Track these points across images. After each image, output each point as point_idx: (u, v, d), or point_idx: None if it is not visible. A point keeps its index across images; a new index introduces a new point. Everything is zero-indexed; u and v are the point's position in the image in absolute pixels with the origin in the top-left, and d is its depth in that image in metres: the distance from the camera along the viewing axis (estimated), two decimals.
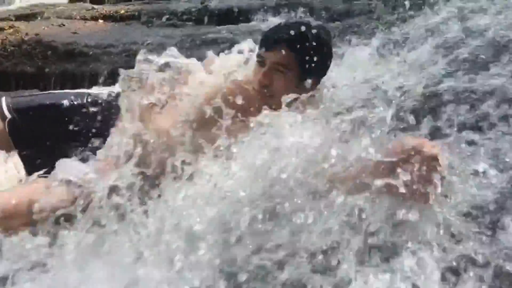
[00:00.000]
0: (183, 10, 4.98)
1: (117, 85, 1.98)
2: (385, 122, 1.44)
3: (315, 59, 1.68)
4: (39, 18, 5.15)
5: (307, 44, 1.67)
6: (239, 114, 1.54)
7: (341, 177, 1.05)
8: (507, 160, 1.27)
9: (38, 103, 1.96)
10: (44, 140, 1.86)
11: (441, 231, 0.97)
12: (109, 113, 1.86)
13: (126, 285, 1.21)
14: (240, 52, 1.80)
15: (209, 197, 1.30)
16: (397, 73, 1.96)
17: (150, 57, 1.80)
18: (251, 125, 1.42)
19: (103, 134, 1.76)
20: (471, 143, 1.33)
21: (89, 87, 3.59)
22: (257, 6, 4.63)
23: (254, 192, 1.19)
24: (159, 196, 1.45)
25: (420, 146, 0.97)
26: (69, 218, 1.53)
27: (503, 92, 1.65)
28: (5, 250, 1.45)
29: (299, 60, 1.67)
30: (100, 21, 5.05)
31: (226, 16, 4.65)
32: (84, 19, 5.08)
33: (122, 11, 5.21)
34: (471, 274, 0.99)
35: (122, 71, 1.82)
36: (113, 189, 1.48)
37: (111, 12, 5.23)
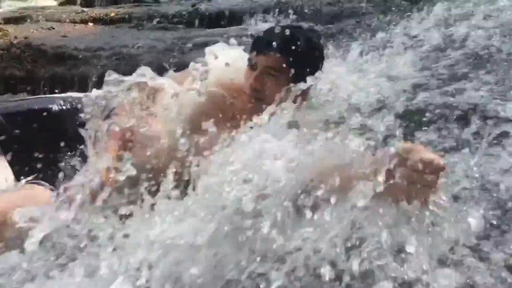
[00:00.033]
0: (173, 13, 4.97)
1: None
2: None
3: (306, 62, 1.68)
4: (28, 21, 5.10)
5: (298, 47, 1.66)
6: (229, 121, 1.52)
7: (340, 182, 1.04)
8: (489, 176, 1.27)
9: (27, 108, 1.93)
10: (33, 145, 1.83)
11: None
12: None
13: None
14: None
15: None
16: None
17: (120, 77, 1.68)
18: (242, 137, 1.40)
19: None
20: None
21: (79, 91, 3.61)
22: (248, 9, 4.63)
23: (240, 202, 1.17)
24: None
25: (420, 151, 0.97)
26: None
27: (481, 108, 1.66)
28: None
29: (290, 64, 1.66)
30: (90, 24, 5.02)
31: (217, 19, 4.65)
32: (74, 22, 5.05)
33: (112, 14, 5.18)
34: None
35: (84, 99, 1.66)
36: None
37: (101, 15, 5.20)
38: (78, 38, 4.40)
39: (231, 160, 1.30)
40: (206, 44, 3.97)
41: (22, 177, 1.73)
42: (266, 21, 4.44)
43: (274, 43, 1.65)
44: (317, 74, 1.76)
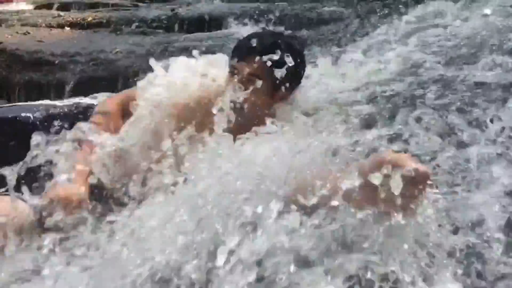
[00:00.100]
0: (152, 17, 4.92)
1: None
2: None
3: (288, 69, 1.66)
4: (2, 25, 4.99)
5: (280, 54, 1.65)
6: (210, 128, 1.50)
7: (321, 191, 1.02)
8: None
9: (1, 117, 1.88)
10: (7, 155, 1.77)
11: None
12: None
13: None
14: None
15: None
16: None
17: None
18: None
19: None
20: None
21: (56, 97, 3.54)
22: (229, 14, 4.61)
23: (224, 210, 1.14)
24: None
25: (404, 160, 0.95)
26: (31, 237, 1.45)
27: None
28: None
29: (272, 71, 1.64)
30: (67, 28, 4.93)
31: (197, 24, 4.61)
32: (50, 26, 4.95)
33: (90, 18, 5.10)
34: None
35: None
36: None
37: (78, 19, 5.11)
38: (54, 43, 4.31)
39: (216, 166, 1.28)
40: (186, 49, 3.98)
41: None
42: (246, 25, 4.43)
43: (255, 50, 1.63)
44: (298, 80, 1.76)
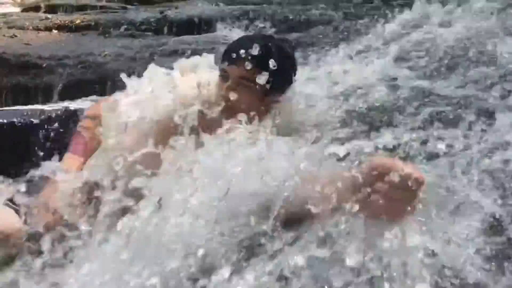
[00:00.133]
0: (141, 20, 4.88)
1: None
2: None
3: (279, 72, 1.66)
4: None
5: (271, 57, 1.64)
6: (201, 133, 1.48)
7: (313, 196, 1.01)
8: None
9: None
10: None
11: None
12: (64, 132, 1.77)
13: None
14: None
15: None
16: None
17: None
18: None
19: (58, 154, 1.67)
20: None
21: (43, 101, 3.50)
22: (218, 17, 4.59)
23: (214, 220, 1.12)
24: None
25: (397, 165, 0.94)
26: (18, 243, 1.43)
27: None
28: None
29: (263, 74, 1.63)
30: (54, 31, 4.88)
31: (187, 26, 4.59)
32: (37, 29, 4.90)
33: (78, 21, 5.06)
34: None
35: None
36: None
37: (66, 22, 5.06)
38: (42, 46, 4.26)
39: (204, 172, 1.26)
40: (175, 52, 3.96)
41: None
42: (235, 28, 4.43)
43: (246, 53, 1.62)
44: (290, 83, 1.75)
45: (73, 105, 1.96)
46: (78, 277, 1.21)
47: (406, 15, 3.43)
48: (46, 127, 1.81)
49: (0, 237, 1.41)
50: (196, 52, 3.86)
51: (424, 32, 2.78)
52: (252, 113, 1.60)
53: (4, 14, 5.57)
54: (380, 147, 1.23)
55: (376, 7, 4.24)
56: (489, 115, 1.61)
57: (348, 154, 1.11)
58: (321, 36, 3.75)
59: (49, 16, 5.43)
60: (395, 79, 2.17)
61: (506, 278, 1.03)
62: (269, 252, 1.03)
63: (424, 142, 1.41)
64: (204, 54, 1.82)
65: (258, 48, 1.63)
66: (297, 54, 2.05)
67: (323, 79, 2.06)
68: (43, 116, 1.87)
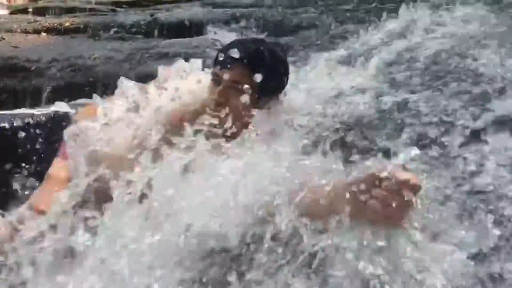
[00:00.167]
0: (131, 22, 4.86)
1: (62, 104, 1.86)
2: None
3: (271, 76, 1.64)
4: None
5: (264, 61, 1.63)
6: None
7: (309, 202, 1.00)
8: None
9: None
10: None
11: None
12: (53, 136, 1.74)
13: None
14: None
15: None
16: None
17: None
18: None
19: (47, 160, 1.64)
20: None
21: (32, 104, 3.45)
22: (209, 19, 4.58)
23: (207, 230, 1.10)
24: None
25: (394, 171, 0.93)
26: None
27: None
28: None
29: (255, 78, 1.62)
30: (43, 34, 4.83)
31: (177, 29, 4.57)
32: (26, 32, 4.85)
33: (67, 24, 5.01)
34: None
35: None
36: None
37: (55, 24, 5.02)
38: (30, 49, 4.22)
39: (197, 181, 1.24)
40: (166, 55, 3.94)
41: None
42: (226, 31, 4.42)
43: (238, 57, 1.60)
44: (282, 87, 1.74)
45: (63, 109, 1.92)
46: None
47: (392, 23, 3.45)
48: (35, 131, 1.78)
49: None
50: (187, 55, 3.87)
51: (408, 41, 2.80)
52: (244, 118, 1.59)
53: None
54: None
55: (369, 9, 4.26)
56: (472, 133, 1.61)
57: (344, 160, 1.11)
58: (312, 38, 3.75)
59: (38, 18, 5.38)
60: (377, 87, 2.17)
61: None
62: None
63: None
64: (192, 59, 1.79)
65: (250, 52, 1.62)
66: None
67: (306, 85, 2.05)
68: (31, 120, 1.83)
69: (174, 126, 1.55)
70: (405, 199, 0.93)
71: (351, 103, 1.95)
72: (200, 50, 3.90)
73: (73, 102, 3.07)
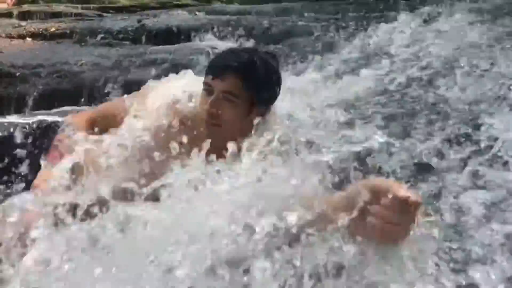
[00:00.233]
0: (119, 28, 4.82)
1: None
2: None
3: (264, 86, 1.63)
4: None
5: (256, 71, 1.61)
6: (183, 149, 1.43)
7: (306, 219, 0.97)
8: None
9: None
10: None
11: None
12: (40, 145, 1.70)
13: None
14: None
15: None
16: None
17: None
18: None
19: (33, 170, 1.60)
20: None
21: (16, 111, 3.39)
22: (197, 26, 4.56)
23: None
24: None
25: (394, 187, 0.92)
26: None
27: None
28: None
29: (248, 88, 1.60)
30: (28, 39, 4.76)
31: (165, 36, 4.54)
32: (10, 37, 4.78)
33: (53, 29, 4.95)
34: None
35: None
36: None
37: (40, 29, 4.95)
38: (15, 54, 4.15)
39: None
40: (153, 62, 3.90)
41: None
42: (215, 38, 4.40)
43: (231, 67, 1.58)
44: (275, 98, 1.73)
45: (49, 118, 1.87)
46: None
47: (382, 30, 3.48)
48: (20, 141, 1.73)
49: None
50: (174, 62, 3.83)
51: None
52: (236, 128, 1.56)
53: None
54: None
55: (359, 17, 4.29)
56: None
57: (340, 174, 1.09)
58: (301, 47, 3.75)
59: (23, 23, 5.31)
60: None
61: None
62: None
63: None
64: (182, 71, 1.77)
65: (243, 62, 1.60)
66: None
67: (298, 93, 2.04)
68: (17, 130, 1.79)
69: (164, 140, 1.53)
70: (407, 217, 0.91)
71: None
72: (188, 57, 3.88)
73: (59, 109, 3.03)
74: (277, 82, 1.72)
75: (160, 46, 4.26)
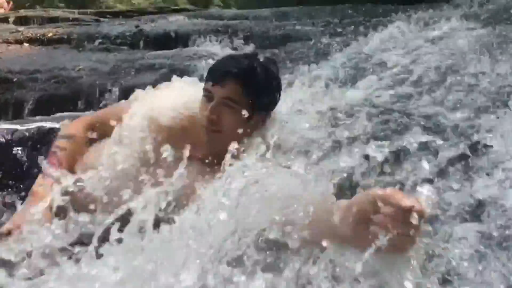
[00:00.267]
0: (116, 33, 4.80)
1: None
2: None
3: (264, 92, 1.62)
4: None
5: (256, 77, 1.61)
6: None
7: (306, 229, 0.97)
8: None
9: None
10: None
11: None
12: (38, 152, 1.69)
13: None
14: None
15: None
16: None
17: None
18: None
19: (31, 176, 1.59)
20: None
21: (14, 117, 3.37)
22: (195, 31, 4.56)
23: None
24: None
25: (398, 197, 0.91)
26: None
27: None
28: None
29: (248, 94, 1.60)
30: (26, 44, 4.74)
31: (163, 41, 4.53)
32: (7, 42, 4.75)
33: (50, 34, 4.93)
34: None
35: None
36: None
37: (38, 34, 4.93)
38: (12, 60, 4.14)
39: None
40: (151, 67, 3.89)
41: None
42: (212, 43, 4.40)
43: (231, 73, 1.58)
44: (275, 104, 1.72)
45: (47, 124, 1.86)
46: None
47: (379, 37, 3.48)
48: (18, 147, 1.72)
49: None
50: (172, 67, 3.82)
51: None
52: (236, 134, 1.56)
53: None
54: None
55: (355, 22, 4.29)
56: None
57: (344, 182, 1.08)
58: (299, 51, 3.75)
59: (20, 28, 5.29)
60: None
61: None
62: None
63: None
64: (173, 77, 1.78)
65: (243, 68, 1.60)
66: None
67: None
68: (15, 136, 1.77)
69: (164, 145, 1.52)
70: (411, 227, 0.90)
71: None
72: (186, 62, 3.87)
73: (57, 114, 3.01)
74: (277, 88, 1.72)
75: (158, 51, 4.25)
